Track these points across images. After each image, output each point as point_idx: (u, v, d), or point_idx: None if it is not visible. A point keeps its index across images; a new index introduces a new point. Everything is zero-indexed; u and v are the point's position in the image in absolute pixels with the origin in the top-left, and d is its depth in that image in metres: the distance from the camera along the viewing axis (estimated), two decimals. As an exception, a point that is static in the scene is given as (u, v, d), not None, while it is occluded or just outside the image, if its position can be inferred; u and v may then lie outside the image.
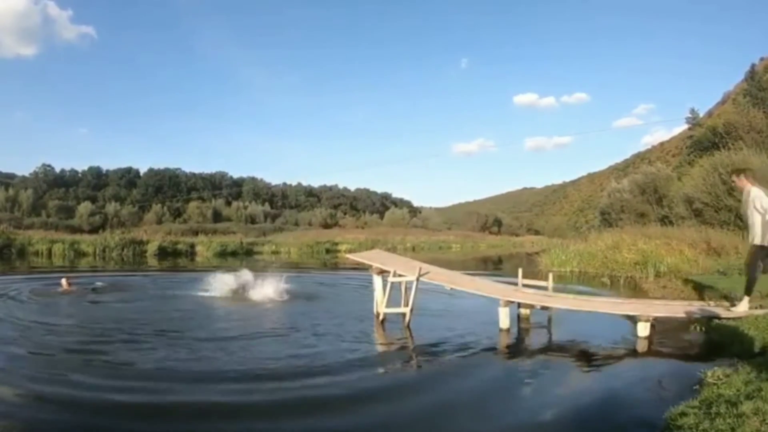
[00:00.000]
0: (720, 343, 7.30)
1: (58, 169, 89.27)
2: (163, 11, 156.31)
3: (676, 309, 8.89)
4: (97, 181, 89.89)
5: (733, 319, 7.83)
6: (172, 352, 7.31)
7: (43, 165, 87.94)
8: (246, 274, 13.53)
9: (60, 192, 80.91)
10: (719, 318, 8.04)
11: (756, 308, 8.32)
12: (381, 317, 9.69)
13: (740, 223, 22.42)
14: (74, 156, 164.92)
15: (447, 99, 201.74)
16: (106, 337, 8.28)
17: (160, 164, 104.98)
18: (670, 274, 16.50)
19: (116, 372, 6.30)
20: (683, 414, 4.19)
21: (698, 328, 8.34)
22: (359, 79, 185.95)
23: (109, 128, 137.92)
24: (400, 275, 9.76)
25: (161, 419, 4.83)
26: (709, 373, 5.27)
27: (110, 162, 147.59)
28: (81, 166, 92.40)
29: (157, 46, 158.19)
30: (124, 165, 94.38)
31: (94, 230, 54.19)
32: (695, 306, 8.86)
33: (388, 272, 9.83)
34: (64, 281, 14.13)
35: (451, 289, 9.90)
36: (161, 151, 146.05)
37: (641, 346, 7.84)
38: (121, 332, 8.61)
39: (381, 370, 6.83)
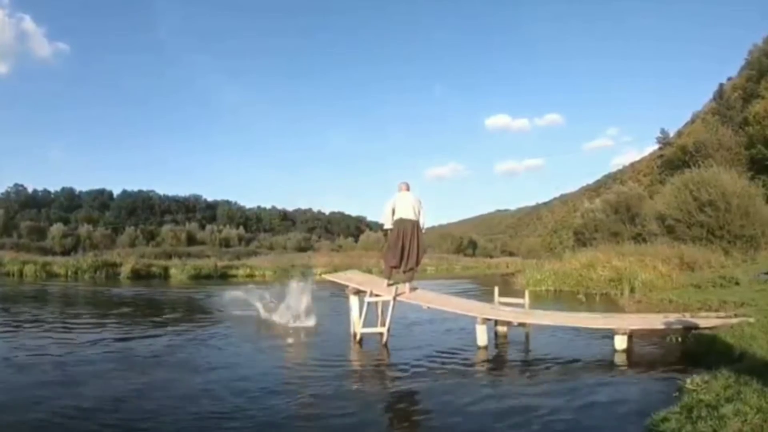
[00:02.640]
0: (697, 352, 7.34)
1: (30, 190, 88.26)
2: (143, 34, 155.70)
3: (653, 321, 8.94)
4: (69, 202, 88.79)
5: (710, 328, 7.88)
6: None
7: (15, 185, 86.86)
8: None
9: (32, 213, 79.67)
10: (696, 328, 8.09)
11: (732, 317, 8.40)
12: (358, 337, 9.57)
13: (712, 237, 22.83)
14: (47, 176, 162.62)
15: (420, 123, 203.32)
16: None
17: (133, 186, 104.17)
18: (645, 289, 16.64)
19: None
20: (665, 419, 4.19)
21: (675, 339, 8.38)
22: (335, 104, 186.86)
23: (83, 148, 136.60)
24: (376, 295, 9.70)
25: None
26: (689, 381, 5.27)
27: (83, 183, 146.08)
28: (53, 187, 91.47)
29: (134, 68, 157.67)
30: (97, 186, 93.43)
31: (66, 252, 53.05)
32: (671, 318, 8.91)
33: (365, 292, 9.75)
34: None
35: (428, 308, 9.83)
36: (135, 172, 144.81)
37: (619, 359, 7.85)
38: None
39: (356, 390, 6.71)
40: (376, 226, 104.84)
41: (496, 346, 9.43)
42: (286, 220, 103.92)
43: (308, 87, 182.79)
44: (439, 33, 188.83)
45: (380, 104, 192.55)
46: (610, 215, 37.46)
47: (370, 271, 19.50)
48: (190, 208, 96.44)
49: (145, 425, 5.01)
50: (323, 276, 14.29)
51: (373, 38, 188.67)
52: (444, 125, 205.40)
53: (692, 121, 75.56)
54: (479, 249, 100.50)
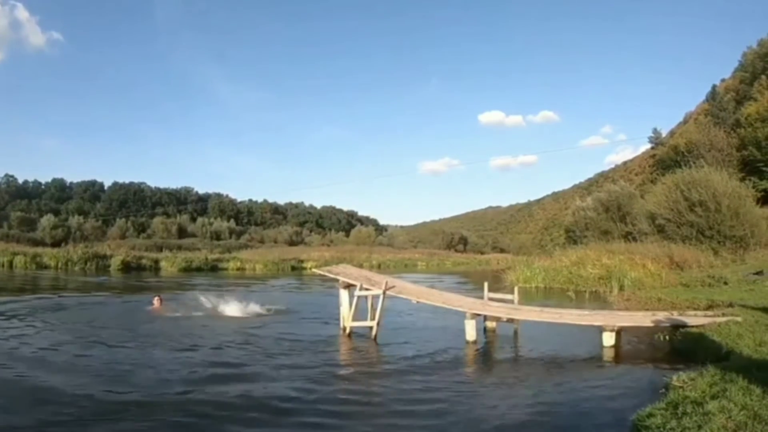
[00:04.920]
0: (685, 350, 7.39)
1: (21, 180, 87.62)
2: (137, 25, 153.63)
3: (641, 319, 8.98)
4: (60, 193, 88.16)
5: (698, 327, 7.93)
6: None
7: (6, 175, 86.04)
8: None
9: (22, 204, 78.98)
10: (684, 326, 8.13)
11: (719, 316, 8.45)
12: (347, 331, 9.57)
13: (701, 237, 22.95)
14: (38, 167, 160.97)
15: (415, 117, 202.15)
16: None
17: (124, 178, 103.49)
18: (634, 287, 16.72)
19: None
20: (651, 415, 4.20)
21: (663, 336, 8.41)
22: (328, 97, 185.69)
23: (75, 139, 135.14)
24: (366, 289, 9.68)
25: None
26: (675, 378, 5.28)
27: (74, 174, 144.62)
28: (44, 178, 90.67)
29: (128, 59, 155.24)
30: (88, 178, 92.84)
31: (56, 243, 52.90)
32: (660, 316, 8.95)
33: (355, 286, 9.74)
34: (156, 300, 13.16)
35: (418, 302, 9.84)
36: (126, 164, 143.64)
37: (607, 356, 7.89)
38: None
39: (347, 382, 6.70)
40: (367, 221, 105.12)
41: (485, 341, 9.46)
42: (278, 213, 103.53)
43: (302, 80, 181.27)
44: (435, 27, 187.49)
45: (375, 96, 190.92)
46: (601, 213, 37.55)
47: (360, 266, 19.53)
48: (182, 201, 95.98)
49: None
50: (313, 269, 14.28)
51: (372, 31, 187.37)
52: (438, 118, 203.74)
53: (685, 121, 75.78)
54: (470, 245, 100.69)
